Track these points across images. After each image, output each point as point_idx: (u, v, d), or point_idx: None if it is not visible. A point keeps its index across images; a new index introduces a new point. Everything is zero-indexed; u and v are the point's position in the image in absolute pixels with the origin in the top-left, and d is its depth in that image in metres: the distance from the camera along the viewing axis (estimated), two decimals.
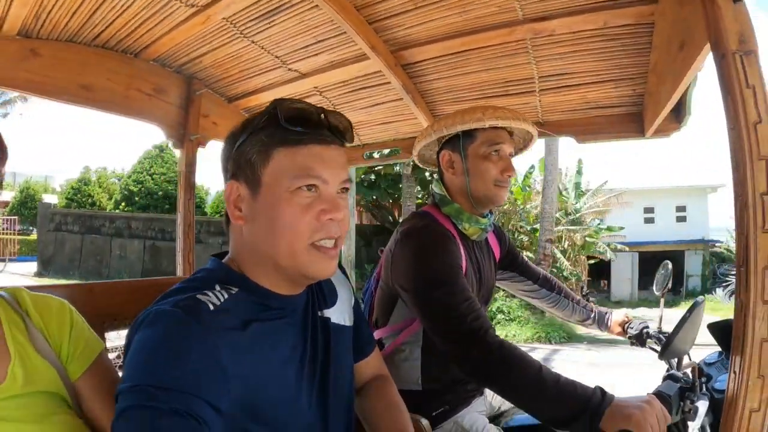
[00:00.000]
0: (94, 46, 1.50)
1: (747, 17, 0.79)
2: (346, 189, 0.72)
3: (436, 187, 1.26)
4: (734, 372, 0.77)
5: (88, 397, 0.76)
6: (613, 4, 1.23)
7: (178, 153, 1.79)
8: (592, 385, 0.87)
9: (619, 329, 1.44)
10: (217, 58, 1.62)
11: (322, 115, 0.70)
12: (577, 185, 13.36)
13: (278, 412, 0.66)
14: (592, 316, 1.48)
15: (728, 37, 0.79)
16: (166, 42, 1.52)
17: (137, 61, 1.60)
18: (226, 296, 0.65)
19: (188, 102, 1.73)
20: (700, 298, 1.16)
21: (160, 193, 14.94)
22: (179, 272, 1.70)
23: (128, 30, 1.46)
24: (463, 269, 1.14)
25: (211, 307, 0.62)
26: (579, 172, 13.57)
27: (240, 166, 0.69)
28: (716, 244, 16.31)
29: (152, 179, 15.19)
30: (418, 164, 1.41)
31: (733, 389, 0.76)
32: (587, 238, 12.52)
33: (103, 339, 1.14)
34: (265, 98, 1.78)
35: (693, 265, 15.09)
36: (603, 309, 1.50)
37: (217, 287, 0.66)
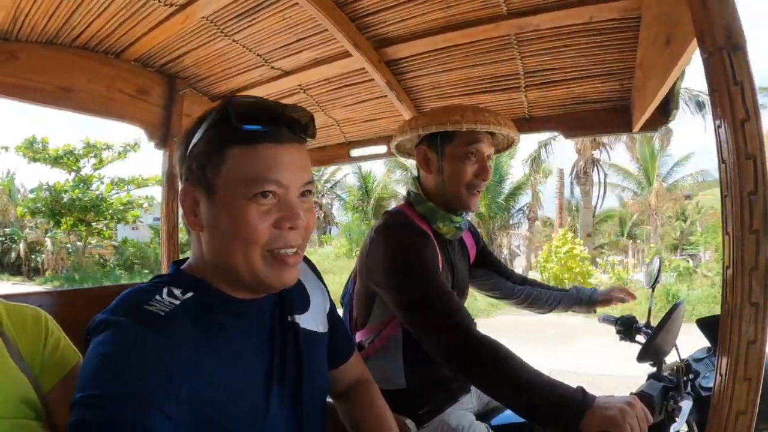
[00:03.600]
0: (75, 47, 1.46)
1: (734, 11, 0.77)
2: (309, 191, 0.67)
3: (411, 186, 1.24)
4: (720, 374, 0.76)
5: (59, 409, 0.74)
6: None
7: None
8: (575, 386, 0.86)
9: (609, 304, 1.44)
10: (199, 57, 1.58)
11: (279, 110, 0.63)
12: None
13: (243, 424, 0.63)
14: (573, 298, 1.45)
15: (715, 33, 0.76)
16: (146, 42, 1.49)
17: (119, 61, 1.57)
18: (178, 302, 0.62)
19: (171, 102, 1.69)
20: (680, 301, 1.15)
21: None
22: None
23: (108, 30, 1.42)
24: (439, 267, 1.13)
25: (162, 314, 0.59)
26: None
27: (192, 169, 0.64)
28: None
29: None
30: (396, 155, 1.37)
31: (720, 391, 0.76)
32: None
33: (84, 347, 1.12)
34: None
35: None
36: (585, 288, 1.47)
37: (165, 292, 0.62)
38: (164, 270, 1.69)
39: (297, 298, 0.77)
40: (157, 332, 0.57)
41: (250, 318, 0.69)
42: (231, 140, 0.62)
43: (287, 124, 0.64)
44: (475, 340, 0.95)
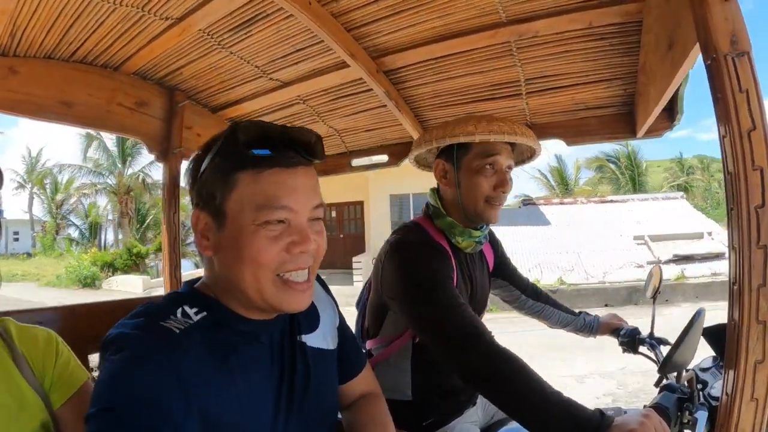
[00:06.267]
0: (73, 61, 1.47)
1: (739, 16, 0.75)
2: (319, 217, 0.68)
3: (430, 198, 1.23)
4: (726, 394, 0.74)
5: (66, 426, 0.79)
6: (598, 3, 1.19)
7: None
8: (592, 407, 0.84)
9: (608, 332, 1.44)
10: (198, 69, 1.59)
11: (285, 133, 0.64)
12: None
13: None
14: (580, 323, 1.46)
15: (718, 39, 0.74)
16: (144, 55, 1.49)
17: (118, 74, 1.57)
18: (191, 321, 0.63)
19: (171, 114, 1.70)
20: (701, 308, 1.11)
21: None
22: (167, 288, 1.67)
23: (105, 45, 1.43)
24: (454, 282, 1.11)
25: (176, 331, 0.60)
26: None
27: (202, 195, 0.65)
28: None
29: None
30: (417, 168, 1.36)
31: (725, 412, 0.74)
32: None
33: (87, 361, 1.14)
34: (250, 108, 1.75)
35: None
36: (591, 314, 1.47)
37: (180, 311, 0.64)
38: (166, 282, 1.69)
39: (306, 317, 0.78)
40: (171, 348, 0.58)
41: (261, 338, 0.70)
42: (239, 166, 0.62)
43: (294, 147, 0.64)
44: (489, 354, 0.92)
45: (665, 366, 1.00)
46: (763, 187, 0.69)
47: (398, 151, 1.81)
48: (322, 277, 0.89)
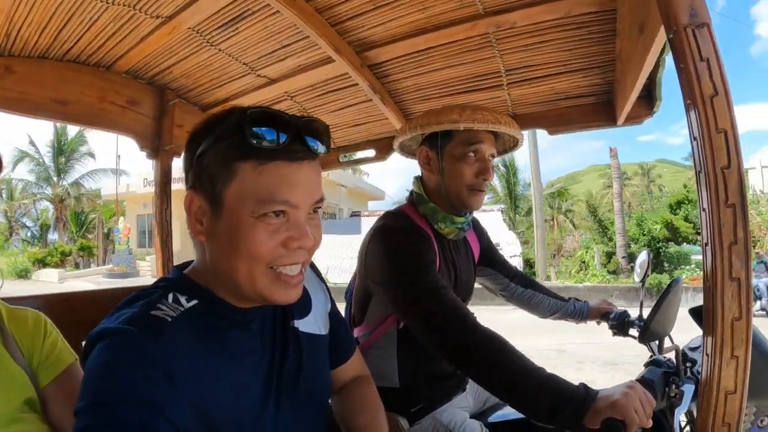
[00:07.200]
0: (67, 61, 1.50)
1: None
2: (319, 208, 0.66)
3: (414, 186, 1.25)
4: (707, 354, 0.75)
5: (53, 404, 0.81)
6: None
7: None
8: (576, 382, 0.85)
9: (598, 317, 1.45)
10: (187, 67, 1.62)
11: (295, 123, 0.62)
12: None
13: (241, 428, 0.63)
14: (570, 309, 1.46)
15: (678, 12, 0.77)
16: (136, 54, 1.53)
17: (110, 74, 1.61)
18: (182, 309, 0.62)
19: (162, 113, 1.73)
20: (678, 277, 1.12)
21: None
22: None
23: (98, 44, 1.47)
24: (437, 267, 1.12)
25: (168, 320, 0.59)
26: None
27: (200, 178, 0.63)
28: None
29: None
30: (401, 155, 1.38)
31: (708, 372, 0.74)
32: None
33: (80, 347, 1.15)
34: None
35: None
36: (580, 300, 1.48)
37: (171, 298, 0.63)
38: (159, 276, 1.69)
39: (298, 303, 0.75)
40: (162, 339, 0.57)
41: (251, 325, 0.69)
42: (242, 155, 0.60)
43: (302, 139, 0.62)
44: (473, 335, 0.94)
45: (644, 334, 1.00)
46: (728, 148, 0.71)
47: (384, 146, 1.83)
48: None
